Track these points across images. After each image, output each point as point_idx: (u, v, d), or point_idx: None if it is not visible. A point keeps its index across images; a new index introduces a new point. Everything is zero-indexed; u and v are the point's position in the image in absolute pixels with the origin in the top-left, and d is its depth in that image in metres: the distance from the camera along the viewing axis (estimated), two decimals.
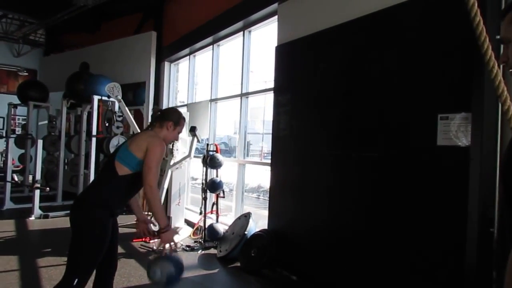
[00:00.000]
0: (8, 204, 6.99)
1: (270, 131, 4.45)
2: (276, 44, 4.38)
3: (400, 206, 2.86)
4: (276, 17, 4.56)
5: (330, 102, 3.60)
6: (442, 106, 2.59)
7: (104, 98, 6.63)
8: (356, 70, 3.34)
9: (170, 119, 2.49)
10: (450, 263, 2.51)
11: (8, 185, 7.13)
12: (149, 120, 6.92)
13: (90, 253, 2.22)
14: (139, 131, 5.72)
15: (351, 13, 3.37)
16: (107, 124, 6.94)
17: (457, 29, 2.54)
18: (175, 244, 2.42)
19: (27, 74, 11.81)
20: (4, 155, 9.85)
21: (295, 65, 4.10)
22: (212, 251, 4.75)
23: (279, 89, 4.32)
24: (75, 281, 2.16)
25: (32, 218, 6.21)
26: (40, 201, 6.45)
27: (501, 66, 1.00)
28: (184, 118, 2.63)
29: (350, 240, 3.27)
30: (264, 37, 5.56)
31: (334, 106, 3.55)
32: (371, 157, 3.10)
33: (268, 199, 4.54)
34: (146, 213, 5.87)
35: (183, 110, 6.12)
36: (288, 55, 4.20)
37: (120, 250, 4.57)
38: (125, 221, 6.07)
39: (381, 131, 3.04)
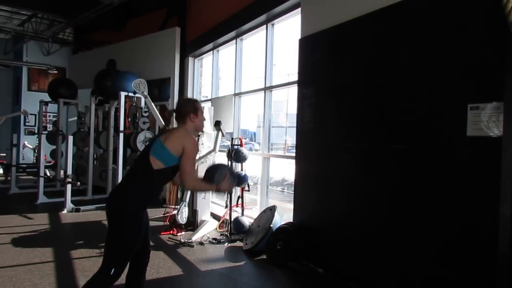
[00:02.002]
0: (42, 199, 7.25)
1: (294, 124, 4.44)
2: (299, 37, 4.35)
3: (429, 197, 2.81)
4: (299, 9, 4.53)
5: (356, 94, 3.56)
6: (472, 95, 2.52)
7: (131, 94, 6.77)
8: (382, 61, 3.29)
9: (187, 112, 2.52)
10: (481, 254, 2.45)
11: (41, 180, 7.39)
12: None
13: (125, 245, 2.31)
14: (165, 126, 5.82)
15: (376, 3, 3.31)
16: (133, 120, 7.10)
17: (488, 15, 2.47)
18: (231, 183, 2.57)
19: (56, 72, 12.16)
20: (37, 151, 10.24)
21: (319, 57, 4.06)
22: (238, 244, 4.81)
23: (303, 82, 4.30)
24: (112, 271, 2.25)
25: (65, 211, 6.43)
26: (72, 195, 6.67)
27: None
28: (196, 101, 2.68)
29: (377, 233, 3.24)
30: (287, 30, 5.53)
31: (360, 98, 3.50)
32: (399, 150, 3.05)
33: (292, 192, 4.54)
34: (172, 206, 6.01)
35: (207, 105, 6.19)
36: (312, 48, 4.17)
37: None
38: (153, 215, 6.22)
39: (409, 123, 2.99)
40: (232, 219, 5.04)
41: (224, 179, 2.50)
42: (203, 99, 7.73)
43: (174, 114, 2.60)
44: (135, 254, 2.40)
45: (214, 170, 2.60)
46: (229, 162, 5.20)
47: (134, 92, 6.35)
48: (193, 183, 2.45)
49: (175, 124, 2.62)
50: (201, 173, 5.38)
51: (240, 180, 5.09)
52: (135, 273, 2.53)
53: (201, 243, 4.78)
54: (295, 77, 4.56)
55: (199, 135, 5.40)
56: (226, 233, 5.07)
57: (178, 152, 2.34)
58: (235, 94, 6.17)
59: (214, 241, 4.88)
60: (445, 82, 2.73)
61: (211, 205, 5.84)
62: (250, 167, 5.66)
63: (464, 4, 2.65)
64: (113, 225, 2.33)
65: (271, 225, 4.37)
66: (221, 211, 5.50)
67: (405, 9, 3.08)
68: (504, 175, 2.30)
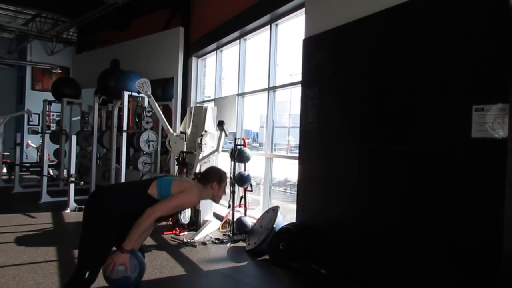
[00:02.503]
0: (45, 198, 7.27)
1: (297, 125, 4.44)
2: (303, 37, 4.34)
3: (433, 198, 2.80)
4: (303, 9, 4.53)
5: (360, 95, 3.55)
6: (477, 97, 2.51)
7: (134, 94, 6.77)
8: (386, 62, 3.28)
9: (212, 179, 2.60)
10: (486, 255, 2.44)
11: (45, 179, 7.41)
12: (178, 118, 7.03)
13: (97, 246, 2.29)
14: (168, 126, 5.83)
15: (381, 3, 3.31)
16: (137, 120, 7.11)
17: (494, 16, 2.46)
18: (114, 268, 2.29)
19: (60, 71, 12.21)
20: (40, 150, 10.28)
21: (323, 57, 4.06)
22: (241, 244, 4.81)
23: (306, 83, 4.29)
24: (87, 274, 2.23)
25: (68, 211, 6.44)
26: (75, 194, 6.69)
27: None
28: (225, 173, 2.74)
29: (380, 233, 3.23)
30: (291, 30, 5.53)
31: (364, 99, 3.49)
32: (403, 151, 3.04)
33: (295, 193, 4.54)
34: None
35: (210, 105, 6.18)
36: (316, 48, 4.16)
37: (151, 242, 4.72)
38: None
39: (413, 124, 2.98)
40: (234, 219, 5.04)
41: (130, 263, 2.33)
42: (206, 99, 7.74)
43: (199, 175, 2.68)
44: None
45: (140, 258, 2.45)
46: (232, 163, 5.21)
47: (138, 92, 6.35)
48: (151, 219, 2.31)
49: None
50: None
51: (243, 180, 5.09)
52: None
53: (203, 243, 4.78)
54: (298, 78, 4.55)
55: (202, 135, 5.40)
56: (229, 233, 5.07)
57: (176, 191, 2.40)
58: (239, 94, 6.17)
59: (216, 241, 4.88)
60: (449, 84, 2.72)
61: (213, 205, 5.84)
62: (253, 168, 5.66)
63: (469, 5, 2.64)
64: (86, 225, 2.33)
65: (274, 226, 4.37)
66: (224, 211, 5.50)
67: (409, 9, 3.07)
68: (509, 177, 2.28)
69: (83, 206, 2.38)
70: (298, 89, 4.48)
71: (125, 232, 2.32)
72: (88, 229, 2.32)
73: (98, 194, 2.39)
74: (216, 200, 2.68)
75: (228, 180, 5.17)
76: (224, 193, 2.72)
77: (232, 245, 4.78)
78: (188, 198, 2.42)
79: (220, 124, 5.11)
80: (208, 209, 5.59)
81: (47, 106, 8.77)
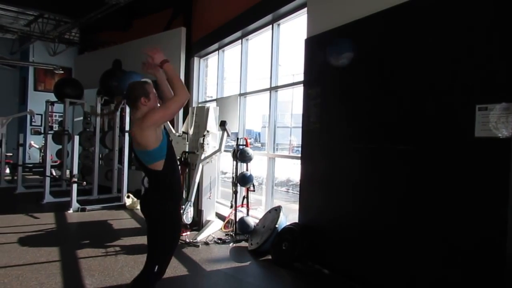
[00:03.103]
0: (48, 198, 7.28)
1: (299, 125, 4.43)
2: (305, 37, 4.34)
3: (435, 199, 2.79)
4: (305, 9, 4.52)
5: (362, 94, 3.54)
6: (481, 96, 2.50)
7: None
8: (389, 61, 3.27)
9: (138, 97, 2.29)
10: (489, 255, 2.43)
11: (48, 180, 7.43)
12: (180, 118, 7.04)
13: (166, 243, 2.39)
14: (170, 126, 5.84)
15: (383, 3, 3.30)
16: None
17: (497, 14, 2.45)
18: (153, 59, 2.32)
19: (62, 72, 12.23)
20: (43, 150, 10.30)
21: (325, 57, 4.04)
22: (243, 244, 4.80)
23: (309, 82, 4.28)
24: (156, 268, 2.32)
25: (70, 211, 6.45)
26: (78, 195, 6.70)
27: None
28: (146, 82, 2.45)
29: (383, 233, 3.22)
30: (293, 30, 5.53)
31: (367, 98, 3.49)
32: (406, 150, 3.03)
33: (298, 193, 4.53)
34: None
35: (212, 105, 6.19)
36: (318, 48, 4.16)
37: None
38: None
39: (416, 124, 2.97)
40: (237, 219, 5.03)
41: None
42: (208, 99, 7.74)
43: (126, 102, 2.41)
44: None
45: None
46: (234, 163, 5.21)
47: None
48: (180, 100, 2.25)
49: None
50: (205, 174, 5.41)
51: (246, 180, 5.09)
52: None
53: (206, 243, 4.78)
54: (300, 77, 4.55)
55: (204, 135, 5.40)
56: (231, 233, 5.07)
57: (148, 142, 2.19)
58: (241, 94, 6.17)
59: (219, 241, 4.88)
60: (453, 83, 2.71)
61: (216, 205, 5.84)
62: (255, 167, 5.66)
63: (472, 3, 2.63)
64: (152, 225, 2.39)
65: (277, 226, 4.37)
66: (226, 211, 5.50)
67: (411, 9, 3.06)
68: None
69: (142, 208, 2.44)
70: (300, 89, 4.48)
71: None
72: (158, 229, 2.37)
73: (150, 193, 2.41)
74: (160, 107, 2.34)
75: (231, 180, 5.18)
76: (158, 102, 2.40)
77: (234, 245, 4.78)
78: (154, 112, 2.20)
79: (222, 124, 5.11)
80: (211, 209, 5.60)
81: (50, 106, 8.78)
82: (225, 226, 5.40)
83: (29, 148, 11.85)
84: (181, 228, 2.45)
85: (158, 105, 2.40)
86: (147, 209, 2.40)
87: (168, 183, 2.37)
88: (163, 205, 2.35)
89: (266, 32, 5.73)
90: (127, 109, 6.71)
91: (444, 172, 2.74)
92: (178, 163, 2.47)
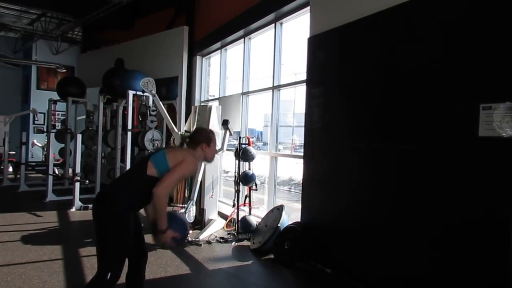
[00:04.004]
0: (51, 196, 7.31)
1: (302, 124, 4.42)
2: (308, 36, 4.33)
3: (439, 198, 2.78)
4: (308, 8, 4.51)
5: (365, 93, 3.53)
6: (485, 95, 2.49)
7: (139, 93, 6.78)
8: (392, 60, 3.26)
9: (201, 140, 2.56)
10: (490, 255, 2.43)
11: (50, 178, 7.44)
12: (182, 117, 7.04)
13: (117, 247, 2.28)
14: (172, 125, 5.84)
15: (385, 2, 3.28)
16: (140, 119, 7.11)
17: (502, 12, 2.43)
18: (173, 242, 2.43)
19: (65, 71, 12.25)
20: (45, 149, 10.32)
21: (328, 56, 4.04)
22: (246, 243, 4.80)
23: (311, 81, 4.28)
24: (108, 275, 2.23)
25: (73, 209, 6.47)
26: (80, 193, 6.72)
27: None
28: (212, 132, 2.71)
29: (386, 234, 3.21)
30: (296, 29, 5.52)
31: (369, 98, 3.48)
32: (409, 149, 3.02)
33: (300, 192, 4.53)
34: (179, 205, 6.01)
35: (215, 104, 6.18)
36: (321, 47, 4.15)
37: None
38: None
39: (419, 123, 2.96)
40: (239, 218, 5.04)
41: (174, 230, 2.38)
42: (210, 98, 7.74)
43: (188, 139, 2.63)
44: (132, 254, 2.41)
45: (177, 219, 2.56)
46: (237, 162, 5.20)
47: (142, 91, 6.36)
48: (164, 195, 2.29)
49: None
50: (208, 173, 5.40)
51: (248, 179, 5.09)
52: (134, 274, 2.53)
53: (208, 242, 4.79)
54: (303, 76, 4.54)
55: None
56: (234, 232, 5.07)
57: (174, 164, 2.36)
58: (243, 93, 6.16)
59: (221, 240, 4.88)
60: (456, 82, 2.70)
61: (218, 204, 5.85)
62: (258, 167, 5.66)
63: (475, 1, 2.62)
64: (100, 227, 2.30)
65: (279, 225, 4.36)
66: (229, 210, 5.50)
67: (414, 7, 3.05)
68: None
69: (92, 210, 2.36)
70: (302, 88, 4.47)
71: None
72: (105, 232, 2.30)
73: (105, 197, 2.37)
74: (208, 159, 2.64)
75: (233, 179, 5.18)
76: (216, 152, 2.69)
77: (236, 244, 4.78)
78: (187, 167, 2.38)
79: (225, 123, 5.11)
80: (213, 208, 5.60)
81: (53, 105, 8.79)
82: (227, 225, 5.41)
83: (32, 147, 11.89)
84: (132, 233, 2.36)
85: (209, 156, 2.63)
86: (99, 211, 2.31)
87: (146, 191, 2.31)
88: (118, 207, 2.27)
89: (269, 31, 5.72)
90: (130, 108, 6.71)
91: (447, 171, 2.73)
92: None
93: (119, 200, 2.29)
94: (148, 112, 6.89)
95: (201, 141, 2.55)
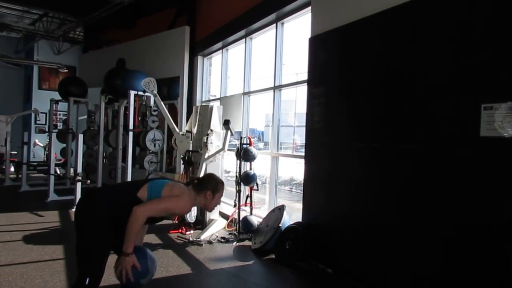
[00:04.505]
0: (52, 196, 7.31)
1: (303, 124, 4.42)
2: (309, 36, 4.33)
3: (441, 198, 2.78)
4: (309, 8, 4.51)
5: (367, 93, 3.53)
6: (486, 95, 2.49)
7: (140, 93, 6.80)
8: (393, 60, 3.26)
9: (208, 188, 2.51)
10: (493, 253, 2.42)
11: (52, 178, 7.45)
12: (183, 117, 7.04)
13: (95, 251, 2.26)
14: (174, 125, 5.84)
15: (386, 2, 3.28)
16: (141, 119, 7.13)
17: (503, 11, 2.43)
18: (132, 271, 2.33)
19: (67, 71, 12.28)
20: (47, 149, 10.35)
21: (329, 56, 4.04)
22: (247, 243, 4.80)
23: (312, 81, 4.27)
24: (87, 281, 2.21)
25: (75, 209, 6.46)
26: (82, 193, 6.71)
27: None
28: (222, 183, 2.64)
29: (387, 233, 3.21)
30: (297, 29, 5.52)
31: (371, 97, 3.47)
32: (411, 149, 3.02)
33: (301, 192, 4.53)
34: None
35: (216, 104, 6.19)
36: (322, 47, 4.15)
37: (157, 241, 4.74)
38: None
39: (421, 123, 2.96)
40: (240, 218, 5.04)
41: (138, 260, 2.34)
42: (212, 98, 7.74)
43: (195, 181, 2.59)
44: None
45: (146, 253, 2.49)
46: (238, 162, 5.21)
47: (144, 91, 6.37)
48: (140, 219, 2.24)
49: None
50: (209, 172, 5.41)
51: (249, 179, 5.09)
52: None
53: (209, 242, 4.79)
54: (304, 76, 4.54)
55: (207, 134, 5.40)
56: (235, 232, 5.07)
57: (168, 195, 2.34)
58: (244, 93, 6.17)
59: (222, 240, 4.88)
60: (457, 82, 2.70)
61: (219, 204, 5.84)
62: (259, 166, 5.66)
63: (476, 1, 2.61)
64: (80, 231, 2.29)
65: (280, 225, 4.36)
66: (230, 210, 5.51)
67: (416, 7, 3.04)
68: None
69: (74, 211, 2.32)
70: (304, 88, 4.47)
71: (122, 236, 2.29)
72: (83, 235, 2.28)
73: (87, 198, 2.36)
74: (208, 209, 2.61)
75: (234, 180, 5.18)
76: (218, 203, 2.63)
77: (238, 244, 4.78)
78: (177, 204, 2.34)
79: (226, 123, 5.11)
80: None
81: (54, 105, 8.82)
82: (228, 225, 5.41)
83: (34, 147, 11.92)
84: (111, 238, 2.33)
85: (211, 205, 2.59)
86: (81, 217, 2.30)
87: (124, 202, 2.30)
88: (102, 213, 2.25)
89: (270, 31, 5.72)
90: (131, 108, 6.72)
91: (448, 171, 2.73)
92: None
93: (101, 206, 2.27)
94: (149, 112, 6.91)
95: (208, 188, 2.51)
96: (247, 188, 5.25)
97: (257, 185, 5.18)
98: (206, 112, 5.67)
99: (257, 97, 6.25)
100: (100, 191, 2.48)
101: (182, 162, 5.75)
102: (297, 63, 5.71)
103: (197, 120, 5.84)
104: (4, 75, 13.13)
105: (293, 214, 4.92)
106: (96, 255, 2.27)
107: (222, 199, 6.25)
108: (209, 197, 2.51)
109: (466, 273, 2.58)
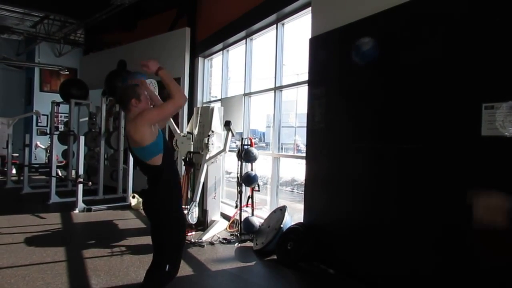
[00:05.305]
0: (54, 198, 7.32)
1: (304, 124, 4.42)
2: (309, 36, 4.32)
3: (442, 197, 2.77)
4: (309, 8, 4.51)
5: (367, 94, 3.53)
6: (487, 95, 2.48)
7: None
8: (394, 60, 3.26)
9: (129, 99, 2.37)
10: (493, 253, 2.42)
11: (53, 180, 7.46)
12: (185, 118, 7.04)
13: (173, 241, 2.41)
14: (175, 126, 5.84)
15: (387, 1, 3.28)
16: None
17: (503, 10, 2.43)
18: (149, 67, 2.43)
19: (68, 73, 12.29)
20: (49, 151, 10.36)
21: (330, 56, 4.04)
22: (248, 244, 4.80)
23: (313, 82, 4.27)
24: (167, 267, 2.34)
25: (76, 211, 6.48)
26: (83, 195, 6.72)
27: None
28: (137, 85, 2.54)
29: (388, 233, 3.20)
30: (297, 30, 5.52)
31: (372, 98, 3.47)
32: (412, 149, 3.01)
33: (303, 192, 4.52)
34: (184, 207, 6.02)
35: (217, 105, 6.19)
36: (322, 47, 4.14)
37: None
38: None
39: (421, 123, 2.95)
40: (242, 219, 5.03)
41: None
42: (212, 99, 7.74)
43: (118, 105, 2.57)
44: None
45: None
46: (239, 163, 5.20)
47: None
48: (176, 104, 2.32)
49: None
50: (210, 174, 5.40)
51: (250, 180, 5.09)
52: None
53: (211, 243, 4.79)
54: (305, 77, 4.54)
55: (209, 135, 5.40)
56: (236, 233, 5.07)
57: (147, 138, 2.25)
58: (245, 94, 6.17)
59: (224, 241, 4.88)
60: (458, 81, 2.69)
61: (221, 205, 5.84)
62: (260, 167, 5.66)
63: (475, 1, 2.61)
64: (156, 226, 2.41)
65: (282, 226, 4.36)
66: (231, 211, 5.50)
67: (415, 7, 3.04)
68: None
69: (143, 205, 2.50)
70: (304, 89, 4.47)
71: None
72: (159, 227, 2.40)
73: (156, 199, 2.42)
74: (149, 111, 2.33)
75: (235, 180, 5.18)
76: (150, 103, 2.47)
77: (239, 245, 4.78)
78: (145, 113, 2.26)
79: (227, 124, 5.11)
80: (216, 209, 5.60)
81: (55, 107, 8.82)
82: (230, 226, 5.41)
83: (35, 149, 11.93)
84: (186, 224, 2.44)
85: (151, 106, 2.49)
86: (150, 210, 2.42)
87: (167, 178, 2.38)
88: (166, 205, 2.36)
89: (271, 32, 5.72)
90: None
91: (450, 171, 2.73)
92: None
93: (166, 199, 2.39)
94: None
95: (129, 99, 2.36)
96: (249, 189, 5.25)
97: (258, 186, 5.18)
98: (207, 113, 5.67)
99: (258, 98, 6.25)
100: (153, 189, 2.44)
101: (183, 163, 5.75)
102: (297, 63, 5.72)
103: (198, 121, 5.84)
104: (5, 78, 13.15)
105: (294, 215, 4.91)
106: (174, 244, 2.41)
107: (223, 199, 6.27)
108: (137, 104, 2.36)
109: (466, 272, 2.58)
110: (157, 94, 5.76)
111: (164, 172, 2.36)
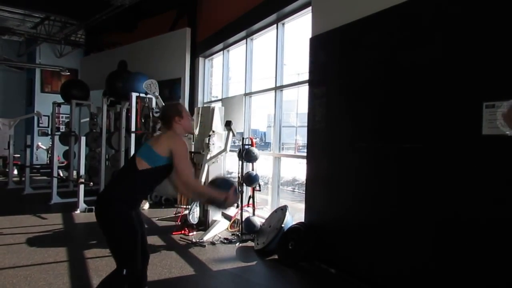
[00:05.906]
0: (55, 199, 7.33)
1: (305, 124, 4.42)
2: (310, 36, 4.33)
3: (443, 197, 2.77)
4: (310, 8, 4.51)
5: (368, 93, 3.53)
6: (488, 93, 2.48)
7: (142, 95, 6.81)
8: (394, 60, 3.25)
9: (171, 116, 2.53)
10: (494, 252, 2.42)
11: (55, 181, 7.47)
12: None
13: (126, 245, 2.36)
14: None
15: (387, 1, 3.28)
16: (143, 120, 7.14)
17: (503, 9, 2.43)
18: (235, 196, 2.51)
19: (68, 73, 12.30)
20: (50, 152, 10.37)
21: (330, 56, 4.04)
22: (250, 243, 4.80)
23: (314, 82, 4.27)
24: (124, 271, 2.31)
25: (78, 211, 6.49)
26: (85, 195, 6.73)
27: None
28: (179, 103, 2.73)
29: (390, 233, 3.20)
30: (298, 29, 5.52)
31: (372, 97, 3.47)
32: (412, 149, 3.01)
33: (304, 192, 4.52)
34: (183, 206, 6.02)
35: (218, 105, 6.19)
36: (322, 47, 4.14)
37: (160, 242, 4.74)
38: (165, 214, 6.27)
39: (422, 122, 2.95)
40: (243, 219, 5.03)
41: (231, 192, 2.45)
42: (213, 99, 7.75)
43: (161, 122, 2.65)
44: None
45: (222, 181, 2.61)
46: (240, 162, 5.21)
47: (146, 93, 6.39)
48: (191, 181, 2.40)
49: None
50: (211, 174, 5.41)
51: (251, 180, 5.09)
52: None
53: (212, 243, 4.79)
54: (305, 77, 4.54)
55: (209, 135, 5.41)
56: (237, 233, 5.07)
57: (165, 153, 2.37)
58: (246, 94, 6.17)
59: (225, 241, 4.88)
60: (458, 80, 2.69)
61: None
62: (261, 167, 5.66)
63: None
64: (105, 228, 2.37)
65: (283, 225, 4.36)
66: (232, 211, 5.50)
67: (415, 6, 3.04)
68: None
69: (94, 214, 2.41)
70: (305, 88, 4.47)
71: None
72: (111, 234, 2.38)
73: (102, 201, 2.41)
74: (188, 129, 2.60)
75: (236, 180, 5.18)
76: (192, 120, 2.66)
77: (240, 245, 4.78)
78: (181, 146, 2.39)
79: (228, 124, 5.11)
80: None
81: (56, 108, 8.84)
82: (231, 226, 5.41)
83: (37, 149, 11.95)
84: (137, 228, 2.40)
85: (192, 122, 2.67)
86: (101, 215, 2.37)
87: (138, 186, 2.40)
88: (117, 206, 2.34)
89: (271, 32, 5.72)
90: (133, 110, 6.74)
91: (450, 170, 2.72)
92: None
93: (117, 202, 2.35)
94: (151, 114, 6.92)
95: (172, 116, 2.52)
96: (250, 188, 5.25)
97: (259, 185, 5.18)
98: (208, 113, 5.68)
99: (259, 98, 6.26)
100: (109, 188, 2.54)
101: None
102: (298, 63, 5.72)
103: (199, 122, 5.85)
104: (6, 79, 13.17)
105: (295, 215, 4.91)
106: (128, 248, 2.36)
107: None
108: (180, 121, 2.53)
109: (467, 271, 2.58)
110: (158, 94, 5.82)
111: (142, 178, 2.38)
